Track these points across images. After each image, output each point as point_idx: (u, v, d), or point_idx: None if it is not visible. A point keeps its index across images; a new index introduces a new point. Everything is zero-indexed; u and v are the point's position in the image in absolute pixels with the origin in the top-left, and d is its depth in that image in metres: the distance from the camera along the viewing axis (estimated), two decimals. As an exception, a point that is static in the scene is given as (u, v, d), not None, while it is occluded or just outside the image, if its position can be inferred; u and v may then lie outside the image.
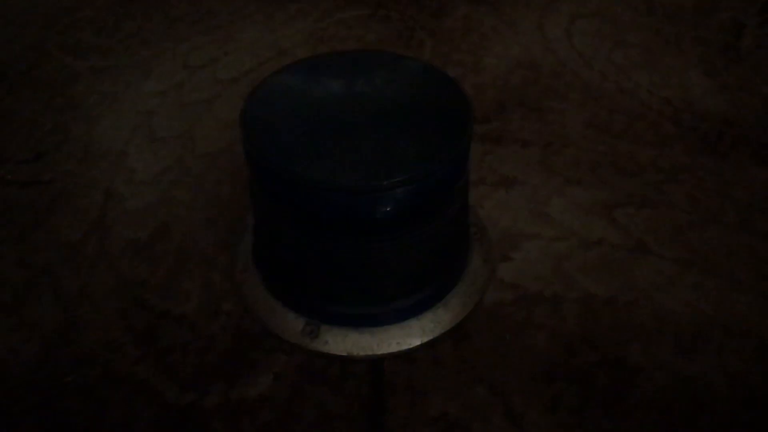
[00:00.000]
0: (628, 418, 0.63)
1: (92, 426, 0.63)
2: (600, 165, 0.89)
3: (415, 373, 0.67)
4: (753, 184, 0.86)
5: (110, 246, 0.80)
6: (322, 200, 0.60)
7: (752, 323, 0.71)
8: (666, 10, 1.20)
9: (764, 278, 0.75)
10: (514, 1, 1.24)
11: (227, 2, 1.25)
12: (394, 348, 0.68)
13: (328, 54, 0.76)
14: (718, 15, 1.18)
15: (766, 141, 0.92)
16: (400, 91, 0.68)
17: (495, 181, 0.87)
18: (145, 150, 0.93)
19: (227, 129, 0.96)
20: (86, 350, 0.69)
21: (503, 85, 1.04)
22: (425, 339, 0.69)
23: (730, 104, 0.99)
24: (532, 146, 0.92)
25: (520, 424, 0.63)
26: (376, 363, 0.68)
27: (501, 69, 1.07)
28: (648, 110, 0.98)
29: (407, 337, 0.69)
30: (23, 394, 0.66)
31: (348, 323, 0.69)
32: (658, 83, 1.03)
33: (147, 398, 0.65)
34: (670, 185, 0.86)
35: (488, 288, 0.74)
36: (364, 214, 0.60)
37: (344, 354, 0.68)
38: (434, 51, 1.11)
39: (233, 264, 0.76)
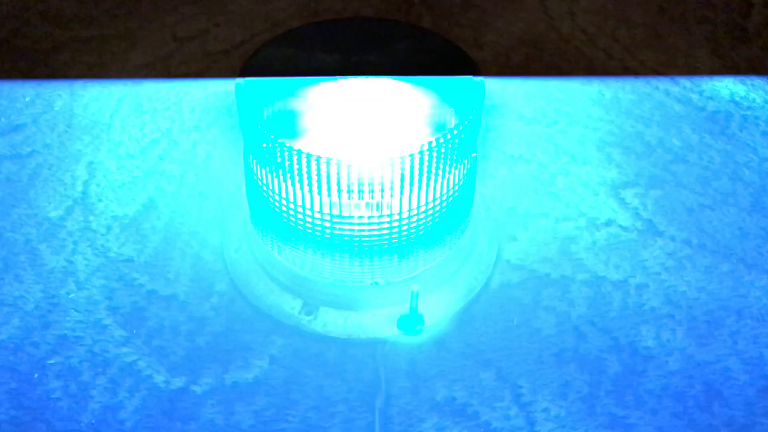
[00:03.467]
0: (641, 405, 0.61)
1: (76, 412, 0.60)
2: (607, 144, 0.86)
3: (419, 356, 0.64)
4: (765, 165, 0.83)
5: (94, 222, 0.75)
6: (322, 173, 0.56)
7: (768, 307, 0.68)
8: (671, -12, 1.17)
9: (778, 261, 0.73)
10: (515, -24, 1.20)
11: (217, -27, 1.20)
12: (396, 331, 0.65)
13: (326, 21, 0.72)
14: (724, -6, 1.15)
15: (776, 122, 0.90)
16: (404, 59, 0.64)
17: (499, 159, 0.84)
18: (131, 123, 0.89)
19: (218, 101, 0.92)
20: (69, 331, 0.65)
21: (505, 62, 1.00)
22: (429, 321, 0.66)
23: (738, 84, 0.96)
24: (536, 124, 0.89)
25: (529, 410, 0.60)
26: (377, 346, 0.65)
27: (503, 45, 1.04)
28: (654, 90, 0.95)
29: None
30: (2, 379, 0.62)
31: (348, 304, 0.65)
32: (665, 62, 1.00)
33: (134, 382, 0.61)
34: (680, 165, 0.83)
35: (494, 270, 0.71)
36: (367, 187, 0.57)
37: (344, 336, 0.64)
38: (433, 26, 1.07)
39: (225, 242, 0.73)
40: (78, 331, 0.65)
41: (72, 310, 0.67)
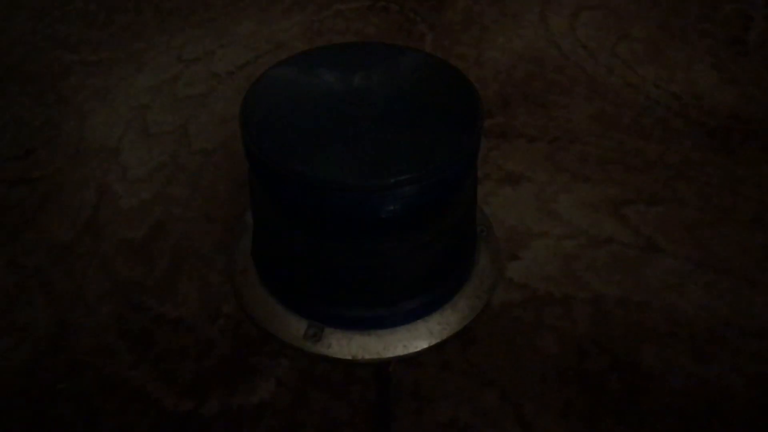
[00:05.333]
0: (643, 424, 0.61)
1: (86, 435, 0.61)
2: (608, 161, 0.87)
3: (423, 377, 0.65)
4: (765, 180, 0.84)
5: (104, 246, 0.77)
6: (325, 199, 0.57)
7: (769, 324, 0.69)
8: (671, 3, 1.17)
9: (779, 277, 0.73)
10: (516, -8, 1.22)
11: (221, -6, 1.22)
12: (400, 351, 0.66)
13: (329, 46, 0.73)
14: (724, 7, 1.16)
15: (777, 136, 0.91)
16: (406, 84, 0.65)
17: (501, 177, 0.85)
18: (138, 146, 0.90)
19: (223, 124, 0.93)
20: (79, 356, 0.66)
21: (506, 79, 1.01)
22: (432, 342, 0.67)
23: (739, 98, 0.97)
24: (537, 142, 0.90)
25: (532, 430, 0.61)
26: (382, 367, 0.65)
27: (504, 63, 1.05)
28: (655, 105, 0.96)
29: (414, 339, 0.66)
30: (13, 402, 0.63)
31: (353, 326, 0.66)
32: (665, 77, 1.01)
33: (143, 406, 0.62)
34: (680, 182, 0.84)
35: (496, 288, 0.72)
36: (370, 213, 0.58)
37: (349, 358, 0.65)
38: (435, 44, 1.09)
39: (232, 264, 0.74)
40: (88, 355, 0.66)
41: (82, 335, 0.68)
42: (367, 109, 0.61)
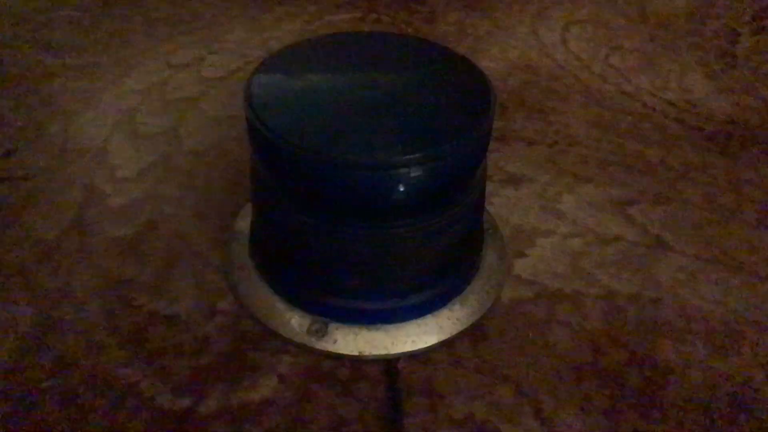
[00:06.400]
0: (665, 418, 0.59)
1: (74, 436, 0.56)
2: (609, 163, 0.86)
3: (434, 373, 0.62)
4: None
5: (92, 244, 0.73)
6: (332, 179, 0.54)
7: (785, 318, 0.67)
8: (659, 18, 1.19)
9: (790, 274, 0.72)
10: (507, 7, 1.22)
11: (210, 5, 1.21)
12: (409, 347, 0.62)
13: (337, 34, 0.71)
14: (711, 22, 1.18)
15: (775, 141, 0.91)
16: (416, 69, 0.64)
17: (502, 178, 0.83)
18: (127, 147, 0.87)
19: (216, 126, 0.91)
20: (66, 353, 0.62)
21: (502, 87, 1.01)
22: (442, 337, 0.64)
23: (733, 106, 0.97)
24: (537, 145, 0.89)
25: (552, 425, 0.58)
26: (391, 363, 0.62)
27: (499, 71, 1.04)
28: (652, 111, 0.96)
29: (423, 335, 0.63)
30: (-6, 402, 0.58)
31: (359, 320, 0.63)
32: (659, 86, 1.02)
33: (136, 403, 0.58)
34: (684, 183, 0.83)
35: (505, 285, 0.69)
36: (380, 194, 0.55)
37: (355, 354, 0.62)
38: (428, 54, 1.08)
39: (228, 261, 0.70)
40: (76, 352, 0.62)
41: (70, 332, 0.64)
42: (377, 92, 0.59)
